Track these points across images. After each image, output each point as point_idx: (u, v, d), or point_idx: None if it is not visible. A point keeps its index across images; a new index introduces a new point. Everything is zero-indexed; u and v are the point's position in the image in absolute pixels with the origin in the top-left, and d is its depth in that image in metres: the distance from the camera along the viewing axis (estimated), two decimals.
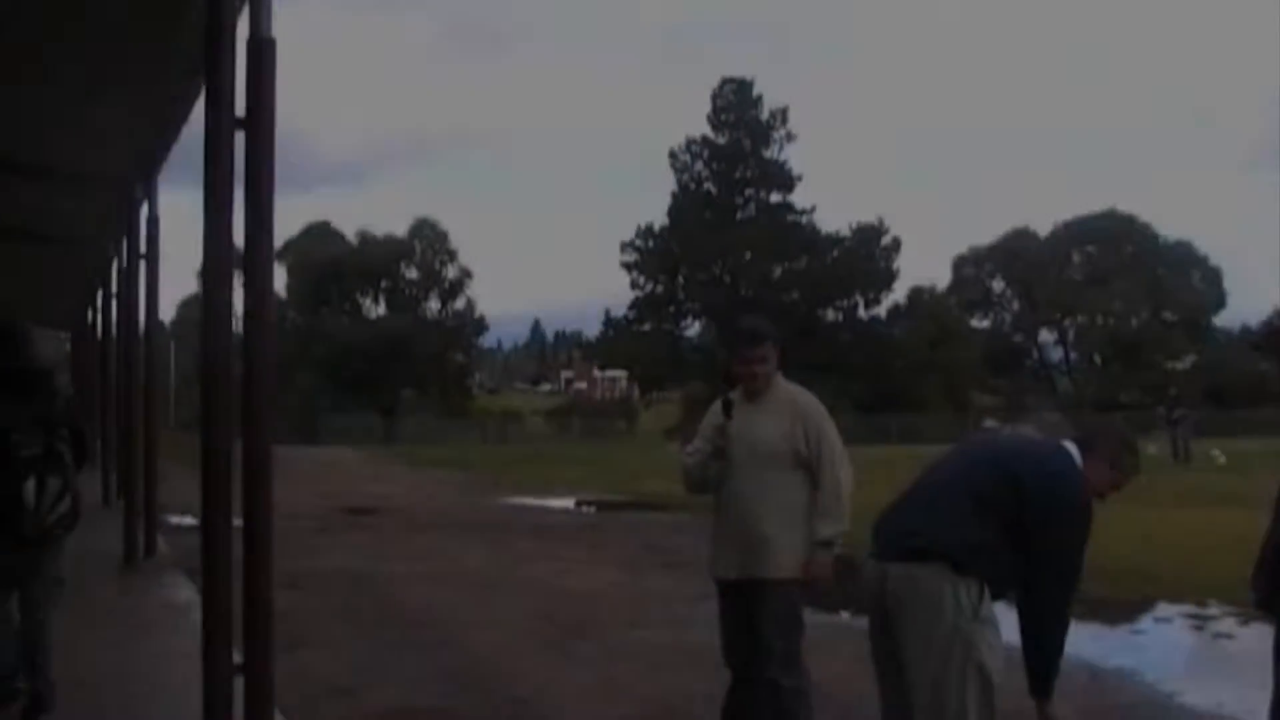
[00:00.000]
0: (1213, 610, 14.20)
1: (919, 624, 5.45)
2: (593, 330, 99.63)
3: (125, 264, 16.88)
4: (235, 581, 7.00)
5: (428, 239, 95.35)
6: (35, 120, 12.22)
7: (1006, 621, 5.63)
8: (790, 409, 7.27)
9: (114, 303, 21.98)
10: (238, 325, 7.34)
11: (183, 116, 11.63)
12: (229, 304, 7.22)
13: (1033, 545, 5.52)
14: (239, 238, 7.10)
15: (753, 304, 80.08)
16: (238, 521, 7.00)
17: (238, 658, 6.99)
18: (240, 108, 6.96)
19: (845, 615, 13.00)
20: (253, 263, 7.03)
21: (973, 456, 5.97)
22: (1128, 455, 6.03)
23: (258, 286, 7.06)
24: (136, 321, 16.42)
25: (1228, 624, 13.59)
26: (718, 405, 7.45)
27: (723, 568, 7.42)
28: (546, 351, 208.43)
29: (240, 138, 6.97)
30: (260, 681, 6.96)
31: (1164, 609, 14.39)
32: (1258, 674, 11.51)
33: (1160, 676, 11.04)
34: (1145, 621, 13.68)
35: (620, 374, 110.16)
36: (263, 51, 6.89)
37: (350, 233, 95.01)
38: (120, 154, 13.61)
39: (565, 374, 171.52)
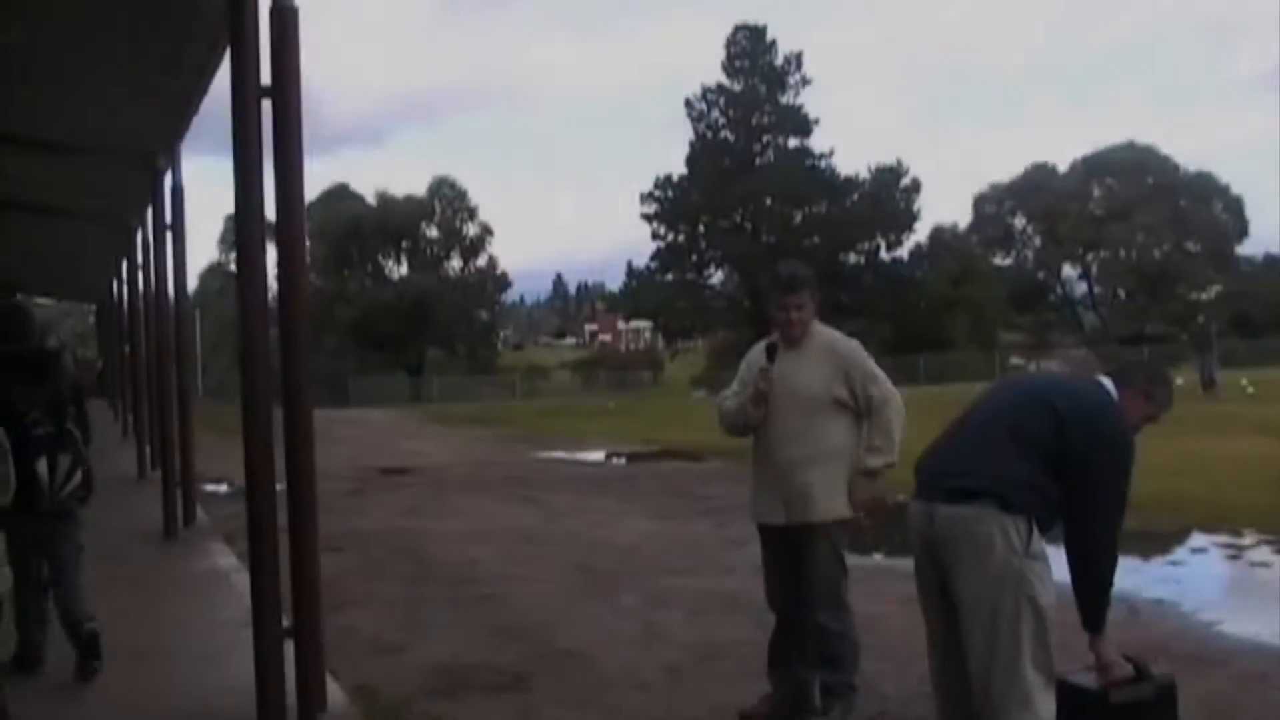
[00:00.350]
0: (1248, 539, 14.26)
1: (971, 563, 5.50)
2: (615, 282, 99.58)
3: (150, 235, 16.92)
4: (279, 546, 7.09)
5: (447, 198, 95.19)
6: (57, 97, 12.28)
7: (1055, 559, 5.68)
8: (831, 355, 7.31)
9: (139, 274, 22.03)
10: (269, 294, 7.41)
11: (205, 87, 11.66)
12: (264, 275, 7.27)
13: (1076, 480, 5.57)
14: (269, 208, 7.16)
15: (775, 250, 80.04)
16: (279, 486, 7.08)
17: (286, 621, 7.09)
18: (265, 76, 7.02)
19: (879, 557, 13.12)
20: (285, 232, 7.09)
21: (1012, 395, 6.03)
22: (1162, 388, 6.10)
23: (291, 255, 7.12)
24: (165, 292, 16.48)
25: (1263, 553, 13.65)
26: (758, 349, 7.52)
27: (766, 513, 7.45)
28: (570, 305, 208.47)
29: (266, 106, 7.03)
30: (310, 643, 7.07)
31: (1199, 539, 14.44)
32: None
33: (1198, 607, 11.10)
34: (1181, 552, 13.72)
35: (644, 325, 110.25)
36: (286, 19, 6.95)
37: (369, 194, 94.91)
38: (143, 126, 13.66)
39: (589, 327, 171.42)
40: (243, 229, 7.20)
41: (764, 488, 7.44)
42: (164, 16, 9.24)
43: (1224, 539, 14.33)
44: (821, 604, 7.23)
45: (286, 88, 6.93)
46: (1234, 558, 13.58)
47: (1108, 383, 5.92)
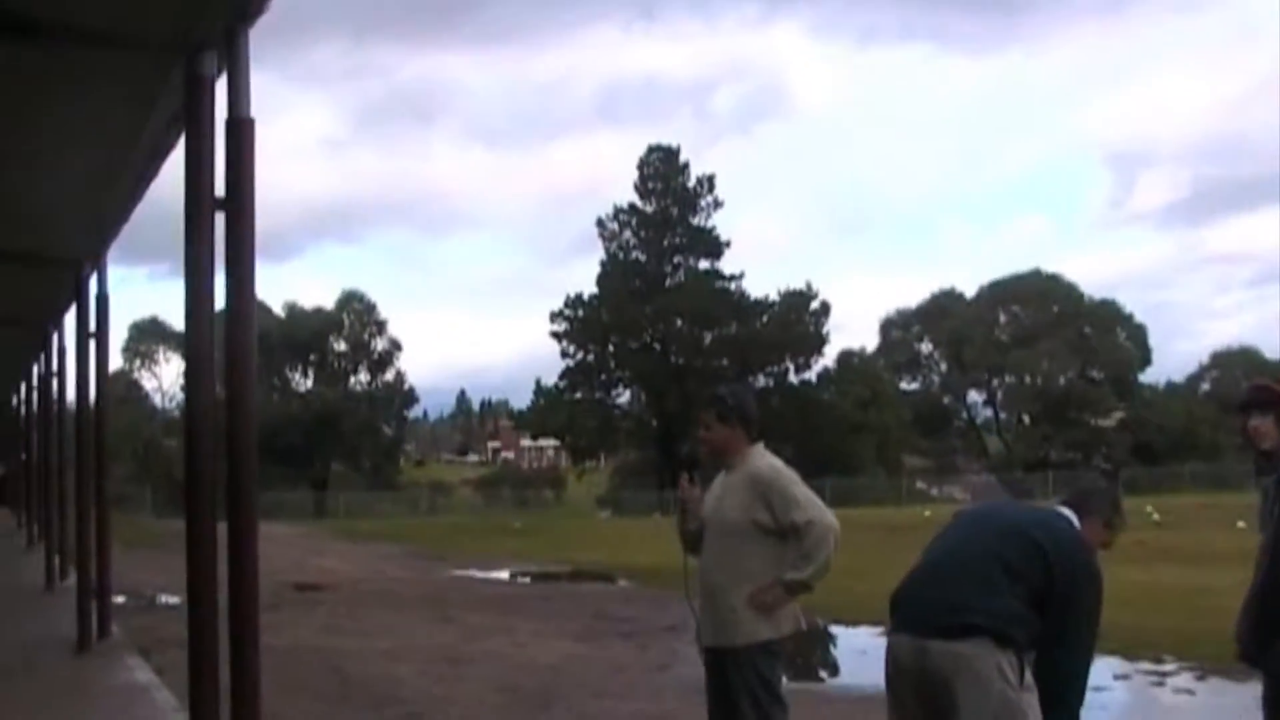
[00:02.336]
0: (1169, 665, 14.36)
1: (973, 699, 5.47)
2: (520, 400, 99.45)
3: (71, 342, 16.74)
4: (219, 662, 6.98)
5: (356, 311, 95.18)
6: None
7: None
8: (753, 482, 7.27)
9: (53, 380, 21.75)
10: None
11: (141, 195, 11.60)
12: (212, 385, 7.20)
13: (1058, 615, 5.59)
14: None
15: (683, 371, 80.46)
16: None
17: None
18: (219, 187, 6.98)
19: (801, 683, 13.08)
20: (236, 343, 7.01)
21: (994, 528, 5.99)
22: (1118, 514, 6.14)
23: (241, 367, 7.04)
24: (86, 398, 16.28)
25: (1185, 679, 13.76)
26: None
27: (703, 635, 7.44)
28: (473, 421, 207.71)
29: (220, 218, 6.99)
30: None
31: (1121, 666, 14.49)
32: None
33: None
34: (1105, 678, 13.74)
35: (549, 443, 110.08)
36: (242, 131, 6.91)
37: (277, 305, 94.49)
38: (74, 233, 13.53)
39: (492, 444, 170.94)
40: (193, 339, 7.14)
41: (702, 611, 7.43)
42: (111, 123, 9.17)
43: (1147, 666, 14.42)
44: None
45: (242, 199, 6.89)
46: (1157, 684, 13.66)
47: (1069, 513, 5.95)
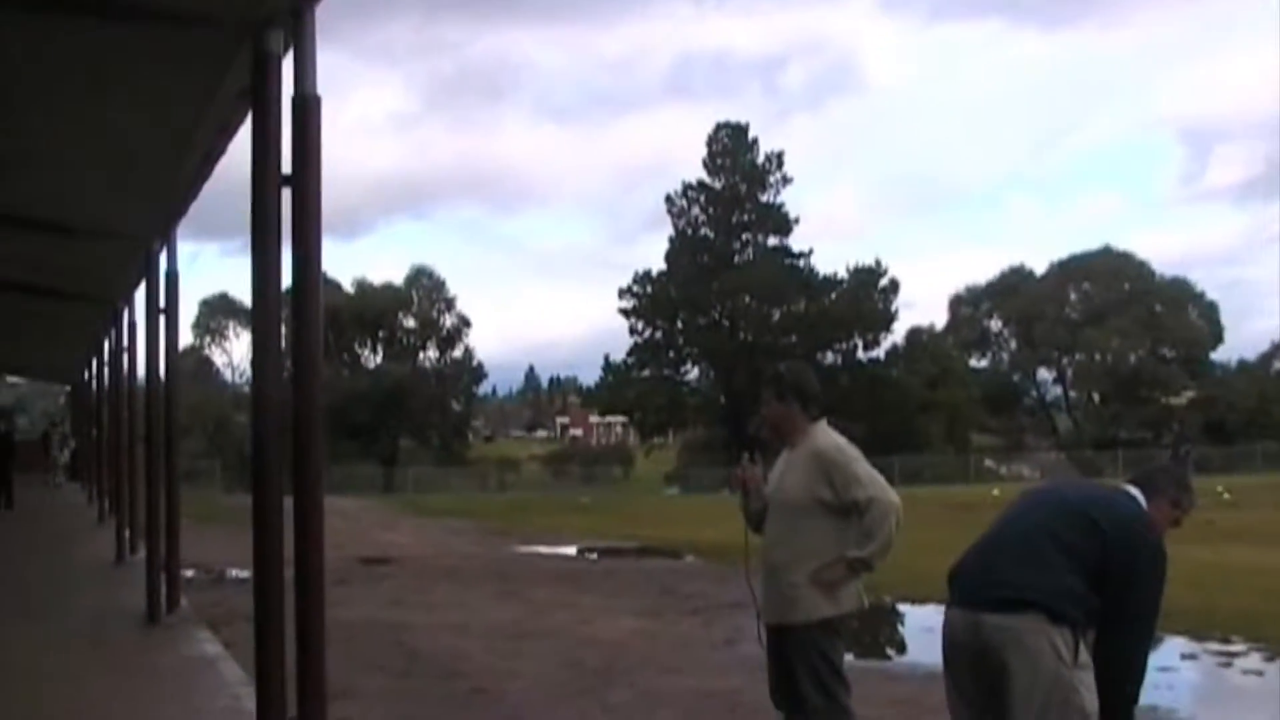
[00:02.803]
0: (1238, 646, 14.25)
1: (1021, 673, 5.47)
2: (588, 376, 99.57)
3: (142, 317, 16.88)
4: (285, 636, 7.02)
5: (425, 287, 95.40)
6: (61, 179, 12.27)
7: None
8: (815, 459, 7.28)
9: (124, 356, 21.93)
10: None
11: (209, 172, 11.67)
12: (280, 362, 7.25)
13: (1117, 594, 5.59)
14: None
15: (752, 348, 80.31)
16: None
17: (290, 711, 7.00)
18: (285, 164, 7.01)
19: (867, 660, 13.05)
20: (301, 319, 7.05)
21: (1052, 505, 5.98)
22: (1186, 493, 6.11)
23: (307, 342, 7.08)
24: (157, 374, 16.40)
25: (1254, 660, 13.66)
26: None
27: (765, 612, 7.45)
28: (542, 398, 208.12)
29: (286, 194, 7.02)
30: None
31: (1188, 646, 14.38)
32: None
33: (1193, 714, 11.08)
34: (1172, 659, 13.64)
35: (617, 419, 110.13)
36: (309, 108, 6.93)
37: (347, 282, 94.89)
38: (143, 209, 13.64)
39: (561, 420, 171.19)
40: (259, 315, 7.19)
41: (763, 588, 7.44)
42: (178, 100, 9.22)
43: (1214, 646, 14.32)
44: (815, 708, 7.17)
45: (307, 176, 6.92)
46: (1225, 665, 13.57)
47: (1136, 492, 5.93)
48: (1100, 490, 6.28)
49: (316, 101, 6.93)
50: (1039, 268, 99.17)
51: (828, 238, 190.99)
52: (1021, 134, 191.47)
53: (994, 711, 5.63)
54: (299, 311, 7.06)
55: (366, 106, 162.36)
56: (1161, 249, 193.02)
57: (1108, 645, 5.63)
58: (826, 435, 7.44)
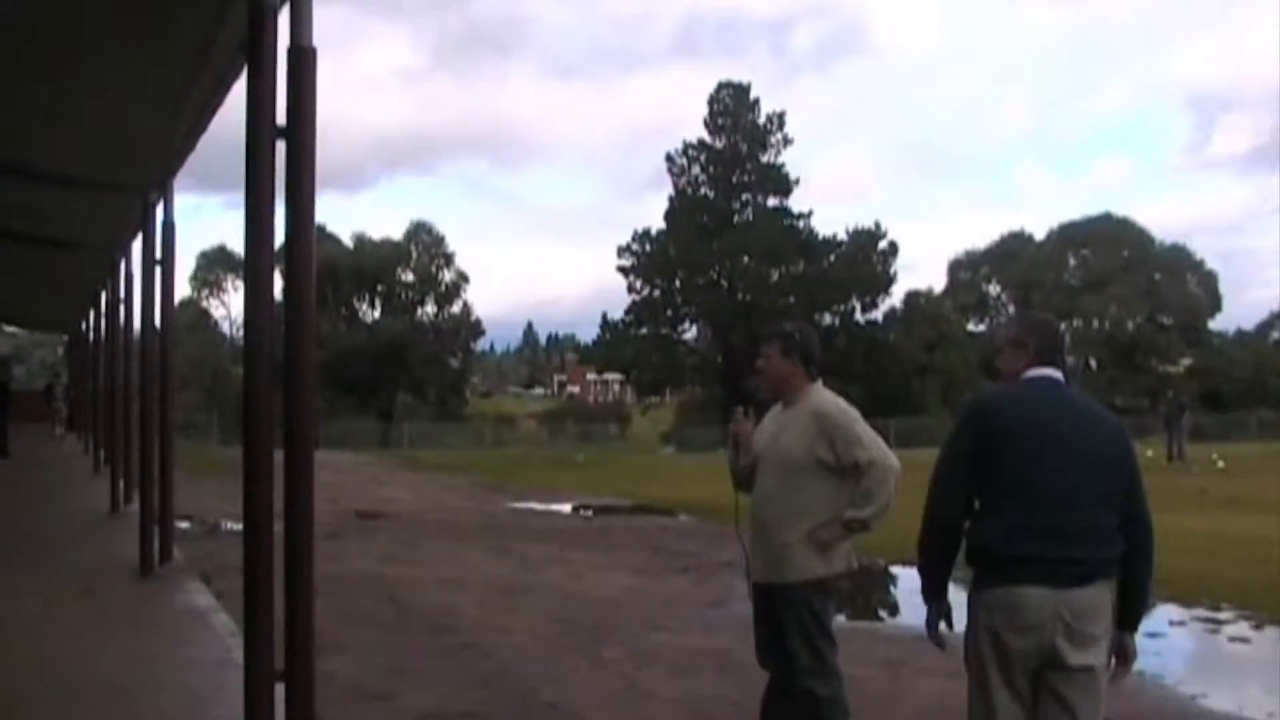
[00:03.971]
0: (1225, 614, 14.29)
1: (1099, 636, 5.53)
2: (586, 334, 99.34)
3: (139, 268, 16.92)
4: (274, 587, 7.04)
5: (424, 243, 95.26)
6: (58, 128, 12.27)
7: None
8: (815, 418, 7.27)
9: (120, 307, 21.95)
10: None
11: (206, 124, 11.68)
12: (273, 313, 7.25)
13: (1135, 498, 5.75)
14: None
15: (750, 308, 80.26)
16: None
17: (278, 663, 7.02)
18: (280, 116, 7.00)
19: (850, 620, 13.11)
20: (294, 272, 7.05)
21: (1084, 455, 5.68)
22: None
23: (300, 295, 7.07)
24: (151, 325, 16.42)
25: (1241, 628, 13.71)
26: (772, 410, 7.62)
27: (754, 571, 7.47)
28: (539, 355, 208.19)
29: (281, 147, 7.01)
30: (302, 687, 6.98)
31: (1177, 612, 14.42)
32: (1276, 678, 11.69)
33: (1180, 680, 11.13)
34: (1160, 625, 13.68)
35: (614, 378, 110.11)
36: (304, 60, 6.91)
37: (346, 236, 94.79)
38: (141, 160, 13.65)
39: (558, 377, 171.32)
40: (252, 268, 7.20)
41: (752, 546, 7.46)
42: (175, 52, 9.22)
43: (1202, 613, 14.35)
44: (804, 668, 7.19)
45: (302, 128, 6.90)
46: (1212, 632, 13.61)
47: (1055, 374, 5.90)
48: (1091, 409, 6.11)
49: (312, 54, 6.91)
50: (1039, 233, 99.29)
51: (833, 200, 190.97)
52: (1029, 99, 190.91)
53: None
54: (292, 264, 7.06)
55: (374, 61, 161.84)
56: (1165, 217, 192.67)
57: (1140, 555, 5.79)
58: (827, 396, 7.47)
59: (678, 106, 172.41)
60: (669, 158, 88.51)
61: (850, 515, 7.14)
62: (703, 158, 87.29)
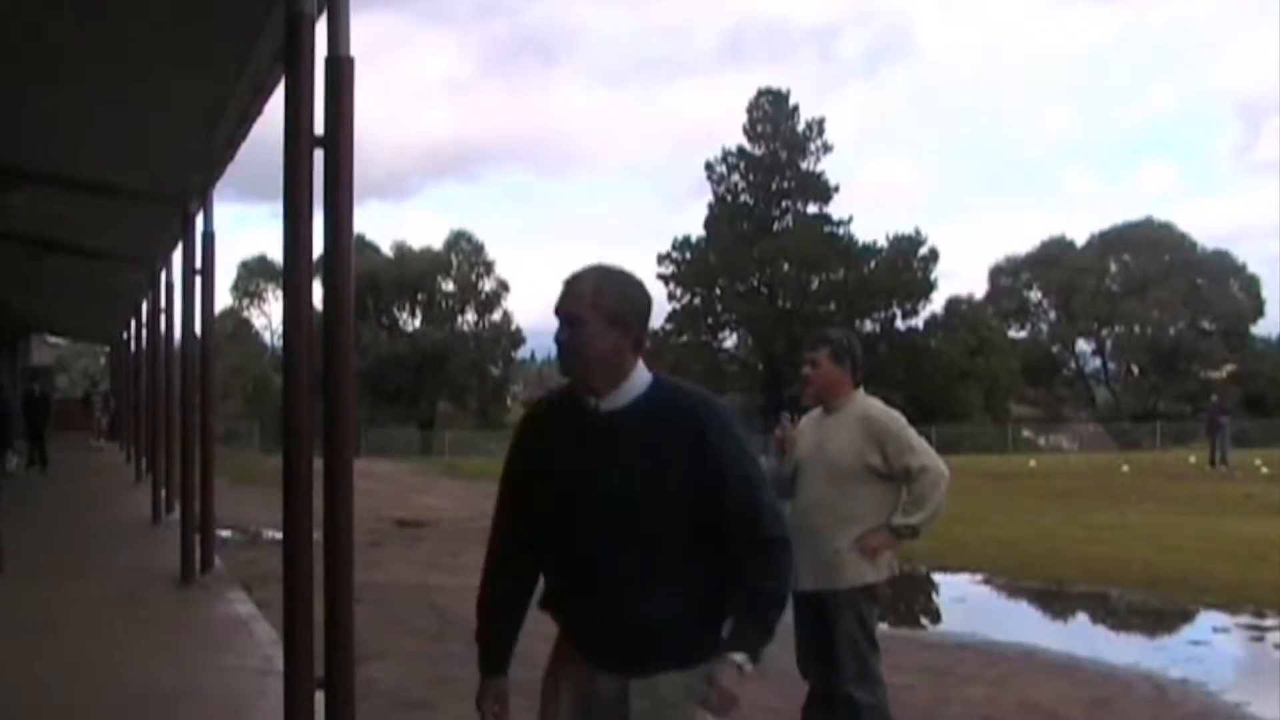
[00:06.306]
0: (1270, 621, 14.18)
1: None
2: None
3: (176, 278, 17.00)
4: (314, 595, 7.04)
5: (464, 252, 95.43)
6: (100, 140, 12.34)
7: None
8: (864, 424, 7.26)
9: (162, 317, 22.02)
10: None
11: (245, 133, 11.71)
12: (311, 322, 7.25)
13: None
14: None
15: (790, 315, 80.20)
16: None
17: (318, 671, 7.03)
18: (318, 126, 7.00)
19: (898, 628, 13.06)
20: (333, 281, 7.05)
21: None
22: None
23: (338, 304, 7.08)
24: (192, 335, 16.46)
25: None
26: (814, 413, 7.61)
27: (800, 578, 7.42)
28: None
29: (317, 156, 7.01)
30: (342, 695, 6.99)
31: (1220, 619, 14.33)
32: None
33: (1224, 687, 11.04)
34: (1204, 631, 13.61)
35: None
36: (341, 69, 6.92)
37: (386, 245, 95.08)
38: (181, 170, 13.71)
39: None
40: (291, 277, 7.19)
41: (799, 553, 7.41)
42: (213, 61, 9.25)
43: (1246, 620, 14.26)
44: (850, 675, 7.17)
45: (339, 138, 6.90)
46: (1257, 639, 13.52)
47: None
48: None
49: (350, 63, 6.92)
50: (1079, 239, 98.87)
51: (877, 207, 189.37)
52: (1073, 104, 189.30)
53: None
54: (330, 273, 7.06)
55: (422, 70, 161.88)
56: (1209, 221, 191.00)
57: None
58: (872, 402, 7.48)
59: (722, 114, 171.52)
60: (709, 165, 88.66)
61: (900, 521, 7.14)
62: (742, 165, 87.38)
